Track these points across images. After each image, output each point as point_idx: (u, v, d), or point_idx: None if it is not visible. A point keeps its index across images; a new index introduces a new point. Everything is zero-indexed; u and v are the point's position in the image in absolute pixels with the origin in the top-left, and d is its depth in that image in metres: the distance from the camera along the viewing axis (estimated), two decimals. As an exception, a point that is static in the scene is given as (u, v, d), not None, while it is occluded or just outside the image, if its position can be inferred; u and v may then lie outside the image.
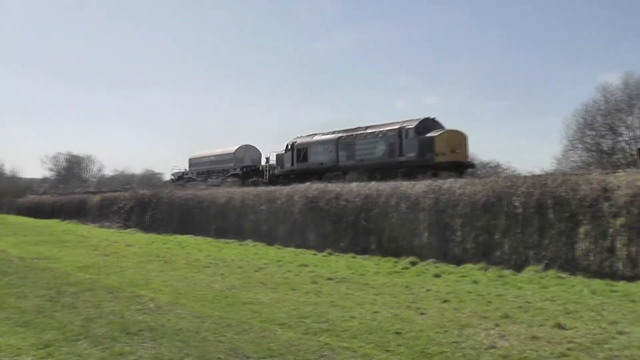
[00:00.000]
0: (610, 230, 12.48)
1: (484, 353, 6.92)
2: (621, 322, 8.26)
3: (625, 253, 12.13)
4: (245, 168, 43.88)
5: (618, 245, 12.31)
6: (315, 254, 17.52)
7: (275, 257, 16.85)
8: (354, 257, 16.45)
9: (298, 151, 34.65)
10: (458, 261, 14.17)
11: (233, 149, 46.32)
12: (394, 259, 15.29)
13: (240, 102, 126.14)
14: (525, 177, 15.04)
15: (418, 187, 16.76)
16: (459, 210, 15.14)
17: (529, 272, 12.56)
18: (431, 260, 14.55)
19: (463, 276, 12.68)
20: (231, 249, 19.68)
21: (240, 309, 9.60)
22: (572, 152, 46.63)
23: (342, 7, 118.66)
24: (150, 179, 76.10)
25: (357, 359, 6.80)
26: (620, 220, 12.37)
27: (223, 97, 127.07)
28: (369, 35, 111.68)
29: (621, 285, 10.87)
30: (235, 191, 25.90)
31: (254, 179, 39.65)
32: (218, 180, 44.02)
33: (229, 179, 42.82)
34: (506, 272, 12.75)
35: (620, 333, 7.63)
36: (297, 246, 19.20)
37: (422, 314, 9.10)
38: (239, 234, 22.65)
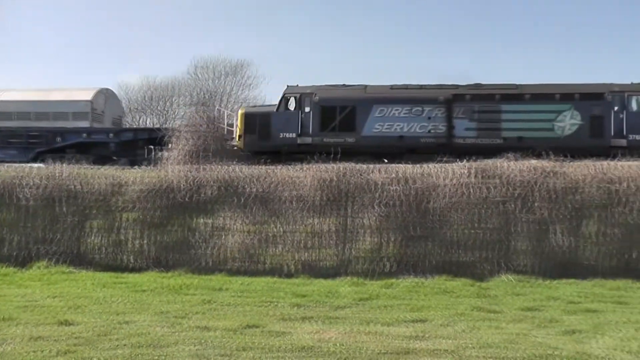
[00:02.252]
0: (121, 223, 12.97)
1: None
2: (127, 312, 8.57)
3: (134, 246, 12.77)
4: (136, 133, 25.02)
5: (128, 238, 12.89)
6: None
7: None
8: None
9: (327, 111, 21.24)
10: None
11: (87, 94, 26.05)
12: None
13: None
14: (32, 167, 14.44)
15: None
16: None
17: (36, 268, 12.07)
18: None
19: (-42, 277, 11.38)
20: None
21: None
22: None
23: None
24: None
25: None
26: (130, 215, 12.96)
27: None
28: None
29: (129, 276, 11.36)
30: None
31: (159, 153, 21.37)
32: (28, 156, 24.09)
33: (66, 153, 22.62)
34: (11, 269, 12.00)
35: (125, 322, 7.88)
36: None
37: None
38: None
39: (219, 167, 13.29)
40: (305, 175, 12.47)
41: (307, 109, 21.32)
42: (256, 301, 9.46)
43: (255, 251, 12.43)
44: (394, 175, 12.12)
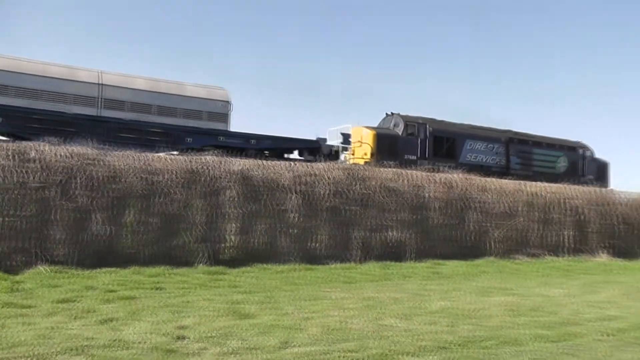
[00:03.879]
0: None
1: None
2: None
3: None
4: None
5: None
6: None
7: None
8: None
9: (437, 140, 25.91)
10: None
11: (224, 93, 23.03)
12: None
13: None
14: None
15: None
16: None
17: None
18: None
19: None
20: None
21: None
22: None
23: None
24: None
25: None
26: None
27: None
28: None
29: None
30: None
31: None
32: None
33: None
34: None
35: None
36: None
37: None
38: None
39: None
40: None
41: (421, 137, 25.88)
42: None
43: None
44: None
